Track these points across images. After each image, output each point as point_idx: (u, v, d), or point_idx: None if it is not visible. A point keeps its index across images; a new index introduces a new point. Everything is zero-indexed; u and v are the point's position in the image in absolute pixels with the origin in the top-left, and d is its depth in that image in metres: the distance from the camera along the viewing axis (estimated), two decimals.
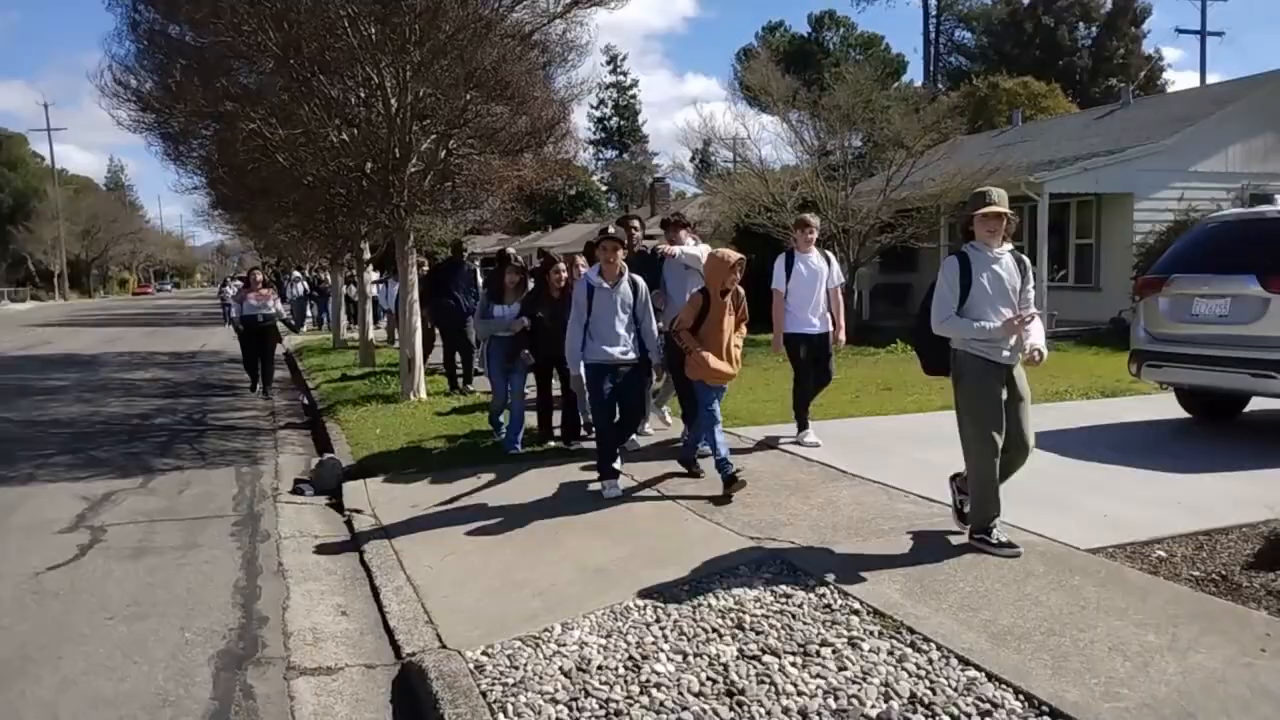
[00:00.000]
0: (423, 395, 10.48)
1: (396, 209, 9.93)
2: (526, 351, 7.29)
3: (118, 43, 11.23)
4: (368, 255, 15.13)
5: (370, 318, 15.46)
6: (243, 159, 10.82)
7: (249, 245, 32.88)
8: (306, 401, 11.87)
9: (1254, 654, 3.31)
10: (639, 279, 6.18)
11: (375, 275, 17.38)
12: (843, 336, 7.38)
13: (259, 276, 12.87)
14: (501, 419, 7.75)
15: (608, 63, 61.23)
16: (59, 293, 66.21)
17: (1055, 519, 4.84)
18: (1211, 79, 35.50)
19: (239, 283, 12.59)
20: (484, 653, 3.62)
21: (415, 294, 10.71)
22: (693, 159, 28.78)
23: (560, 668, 3.45)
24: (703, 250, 6.92)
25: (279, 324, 13.11)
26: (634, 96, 65.29)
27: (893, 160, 16.87)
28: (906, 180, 16.33)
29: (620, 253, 6.11)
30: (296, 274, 27.12)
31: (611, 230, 6.61)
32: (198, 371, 15.83)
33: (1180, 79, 50.50)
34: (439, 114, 9.83)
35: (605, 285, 6.05)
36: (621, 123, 64.68)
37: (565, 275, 7.27)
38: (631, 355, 6.07)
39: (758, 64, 20.29)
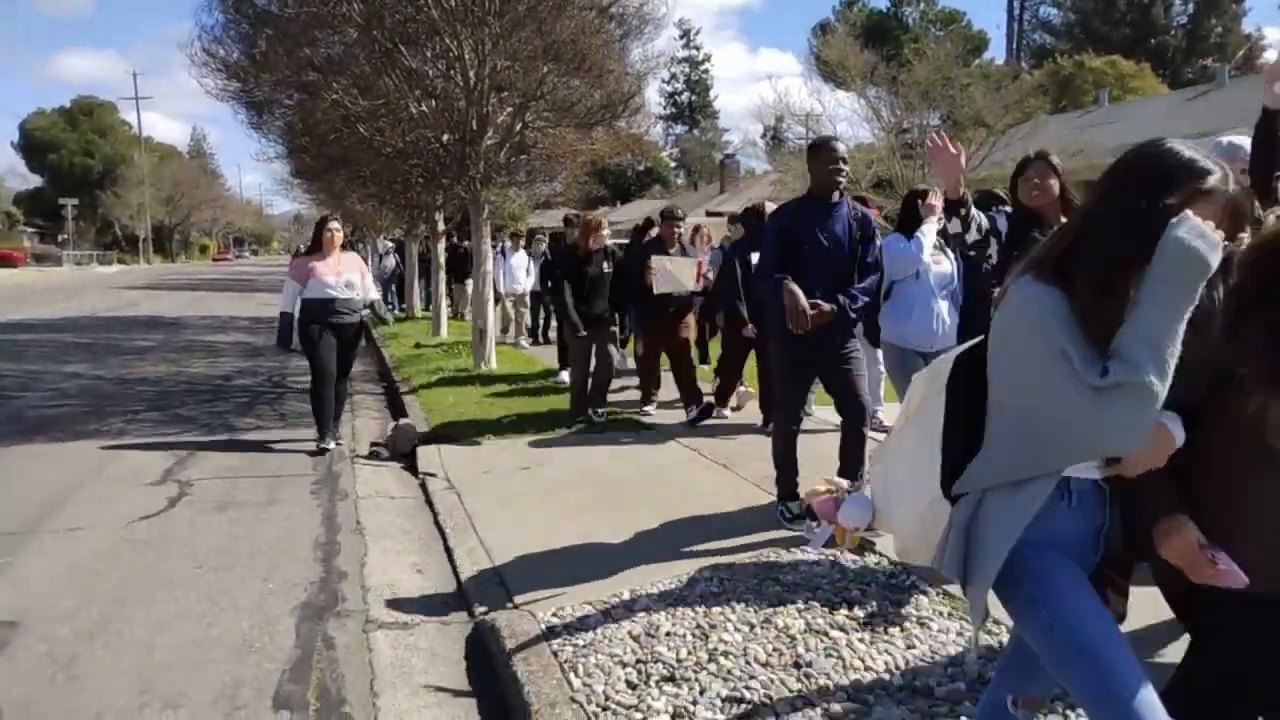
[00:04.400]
0: (494, 365, 10.64)
1: (473, 180, 10.06)
2: None
3: (207, 13, 11.53)
4: (441, 226, 15.34)
5: (443, 287, 15.68)
6: (324, 129, 11.05)
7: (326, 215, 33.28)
8: (380, 369, 12.14)
9: None
10: None
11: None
12: None
13: (337, 236, 7.12)
14: None
15: (681, 37, 60.91)
16: (143, 257, 68.54)
17: None
18: None
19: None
20: (555, 615, 3.70)
21: (489, 264, 10.89)
22: (765, 135, 28.56)
23: (629, 632, 3.51)
24: None
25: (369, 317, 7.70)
26: (706, 71, 64.82)
27: (973, 139, 16.52)
28: (986, 160, 15.99)
29: None
30: (389, 244, 23.09)
31: None
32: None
33: None
34: (516, 86, 9.91)
35: None
36: (693, 98, 64.26)
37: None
38: None
39: (835, 39, 20.02)
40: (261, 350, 14.28)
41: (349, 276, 6.99)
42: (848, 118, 40.22)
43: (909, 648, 3.35)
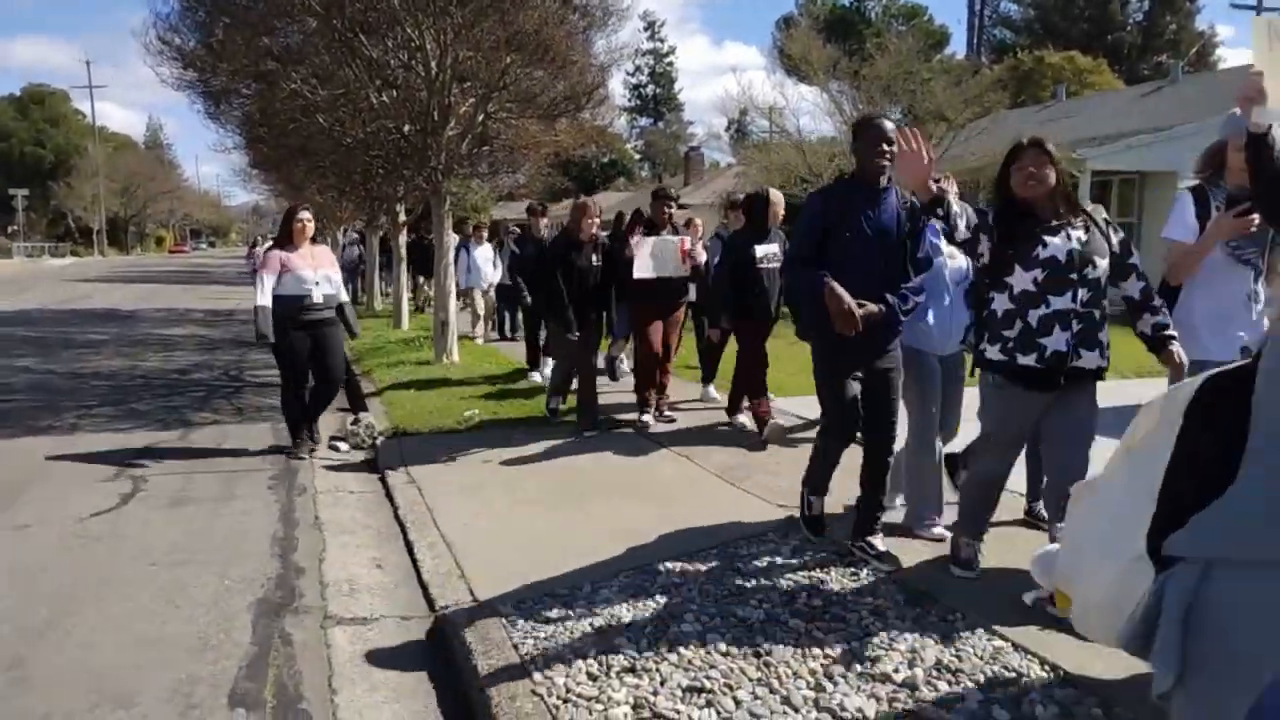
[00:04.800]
0: (456, 358, 10.58)
1: (434, 172, 9.97)
2: None
3: (162, 0, 11.35)
4: (403, 218, 15.21)
5: (404, 278, 15.55)
6: (283, 119, 10.89)
7: (285, 206, 32.74)
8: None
9: None
10: None
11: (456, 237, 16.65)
12: None
13: (309, 226, 6.52)
14: None
15: (645, 28, 60.84)
16: (98, 249, 67.18)
17: None
18: None
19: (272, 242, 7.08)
20: (515, 608, 3.69)
21: (450, 257, 10.81)
22: (728, 128, 28.63)
23: (591, 624, 3.51)
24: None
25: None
26: (670, 64, 64.91)
27: (933, 133, 16.68)
28: (947, 154, 16.14)
29: None
30: (354, 234, 21.85)
31: None
32: (234, 329, 16.05)
33: (1233, 56, 49.38)
34: (479, 77, 9.82)
35: None
36: (657, 90, 64.28)
37: None
38: None
39: (799, 33, 20.13)
40: (218, 344, 14.08)
41: (325, 270, 6.52)
42: (810, 111, 40.51)
43: (866, 635, 3.38)
